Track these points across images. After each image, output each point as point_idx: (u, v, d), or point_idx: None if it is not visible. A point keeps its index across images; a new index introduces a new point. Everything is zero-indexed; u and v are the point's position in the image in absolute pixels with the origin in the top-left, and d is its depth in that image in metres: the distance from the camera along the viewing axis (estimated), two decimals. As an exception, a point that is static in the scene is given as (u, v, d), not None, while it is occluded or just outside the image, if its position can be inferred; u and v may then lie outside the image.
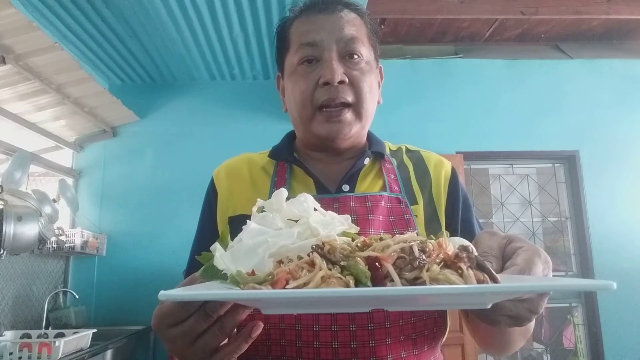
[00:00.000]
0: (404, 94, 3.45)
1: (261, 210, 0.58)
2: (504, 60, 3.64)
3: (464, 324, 0.76)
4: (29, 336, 2.26)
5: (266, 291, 0.41)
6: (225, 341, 0.52)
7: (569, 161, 3.52)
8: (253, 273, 0.46)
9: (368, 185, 0.78)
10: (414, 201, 0.77)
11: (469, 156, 3.35)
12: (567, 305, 3.36)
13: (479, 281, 0.41)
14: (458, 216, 0.78)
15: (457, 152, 3.29)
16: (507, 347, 0.71)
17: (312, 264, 0.44)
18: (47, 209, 2.45)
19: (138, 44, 2.96)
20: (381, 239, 0.47)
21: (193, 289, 0.45)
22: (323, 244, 0.46)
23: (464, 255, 0.43)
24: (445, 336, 0.74)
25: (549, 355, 3.36)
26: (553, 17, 3.38)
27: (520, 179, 3.57)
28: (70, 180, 3.23)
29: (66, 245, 2.82)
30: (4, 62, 2.15)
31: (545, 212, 3.52)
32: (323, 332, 0.64)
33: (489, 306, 0.45)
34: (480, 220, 0.84)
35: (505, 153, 3.46)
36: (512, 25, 3.54)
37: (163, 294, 0.39)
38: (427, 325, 0.69)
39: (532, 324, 0.68)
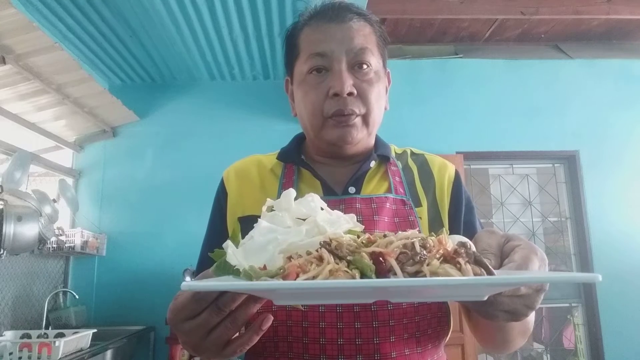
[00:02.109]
0: (404, 94, 3.46)
1: (271, 209, 0.60)
2: (504, 60, 3.64)
3: (466, 322, 0.77)
4: (29, 336, 2.26)
5: (281, 282, 0.44)
6: (237, 334, 0.54)
7: (569, 161, 3.52)
8: (265, 268, 0.48)
9: (374, 187, 0.80)
10: (418, 203, 0.79)
11: (469, 156, 3.35)
12: (567, 305, 3.36)
13: (476, 275, 0.44)
14: (461, 218, 0.80)
15: (457, 152, 3.29)
16: (507, 345, 0.72)
17: (320, 259, 0.46)
18: (47, 209, 2.45)
19: (138, 44, 2.96)
20: (385, 236, 0.49)
21: (212, 281, 0.48)
22: (330, 240, 0.48)
23: (463, 251, 0.45)
24: (449, 336, 0.75)
25: (549, 355, 3.36)
26: (553, 17, 3.38)
27: (520, 179, 3.57)
28: (70, 180, 3.23)
29: (66, 245, 2.82)
30: (4, 62, 2.15)
31: (545, 212, 3.52)
32: (329, 329, 0.66)
33: (485, 298, 0.47)
34: (481, 221, 0.86)
35: (505, 153, 3.46)
36: (512, 25, 3.54)
37: (185, 285, 0.42)
38: (431, 324, 0.70)
39: (532, 322, 0.70)
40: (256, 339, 0.54)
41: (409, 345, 0.68)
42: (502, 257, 0.51)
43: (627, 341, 3.18)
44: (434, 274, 0.43)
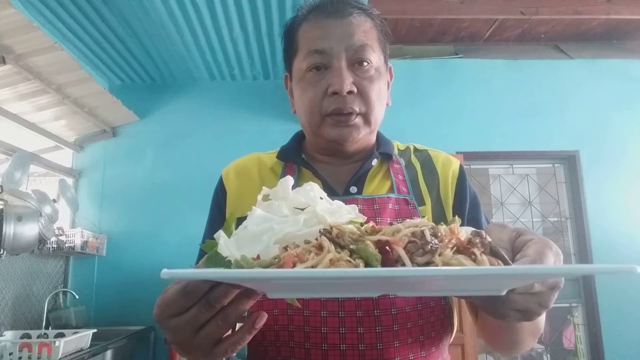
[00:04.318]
0: (404, 94, 3.45)
1: (267, 198, 0.57)
2: (504, 60, 3.64)
3: (473, 322, 0.75)
4: (29, 336, 2.26)
5: (275, 270, 0.39)
6: (229, 332, 0.52)
7: (569, 161, 3.52)
8: (258, 258, 0.45)
9: (376, 186, 0.78)
10: (421, 202, 0.77)
11: (469, 156, 3.35)
12: (567, 305, 3.36)
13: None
14: (465, 215, 0.78)
15: (457, 152, 3.29)
16: (516, 346, 0.69)
17: (320, 248, 0.42)
18: (47, 209, 2.45)
19: (138, 44, 2.96)
20: (391, 224, 0.45)
21: (197, 270, 0.44)
22: (331, 227, 0.44)
23: (477, 240, 0.42)
24: (453, 337, 0.74)
25: (549, 355, 3.36)
26: (553, 17, 3.38)
27: (520, 179, 3.57)
28: (70, 180, 3.23)
29: (66, 245, 2.82)
30: (4, 62, 2.15)
31: (545, 212, 3.51)
32: (331, 334, 0.65)
33: (504, 292, 0.43)
34: (487, 218, 0.83)
35: (505, 153, 3.46)
36: (512, 25, 3.54)
37: (166, 272, 0.37)
38: (434, 326, 0.69)
39: (543, 322, 0.67)
40: (249, 338, 0.51)
41: (412, 349, 0.66)
42: (514, 251, 0.48)
43: (627, 341, 3.18)
44: (446, 264, 0.40)
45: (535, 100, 3.55)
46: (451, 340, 0.74)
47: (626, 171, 3.44)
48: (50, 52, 2.24)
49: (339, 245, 0.43)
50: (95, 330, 2.40)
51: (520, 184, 3.56)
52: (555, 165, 3.58)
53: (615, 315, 3.20)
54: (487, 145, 3.43)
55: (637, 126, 3.52)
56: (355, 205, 0.55)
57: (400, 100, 3.40)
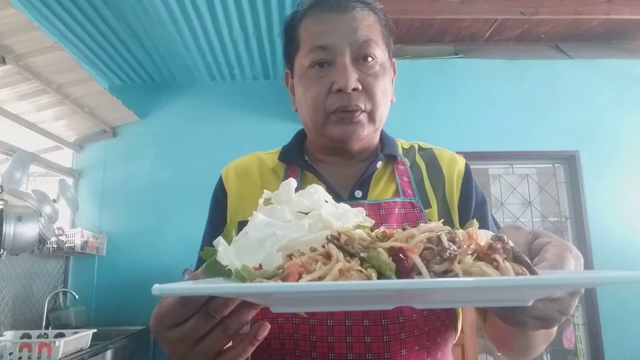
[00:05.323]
0: (404, 94, 3.44)
1: (268, 202, 0.54)
2: (504, 60, 3.64)
3: (481, 325, 0.72)
4: (29, 336, 2.26)
5: (279, 284, 0.36)
6: (229, 344, 0.49)
7: (569, 161, 3.52)
8: (260, 267, 0.42)
9: (381, 190, 0.76)
10: (427, 205, 0.75)
11: (469, 156, 3.32)
12: (567, 305, 3.36)
13: (517, 274, 0.37)
14: (470, 214, 0.76)
15: (457, 152, 3.28)
16: (528, 352, 0.67)
17: (327, 256, 0.39)
18: (47, 209, 2.45)
19: (138, 44, 2.96)
20: (404, 229, 0.42)
21: (192, 283, 0.41)
22: (339, 234, 0.41)
23: (499, 246, 0.38)
24: (456, 339, 0.73)
25: (549, 355, 3.36)
26: (553, 17, 3.38)
27: (520, 179, 3.57)
28: (70, 180, 3.23)
29: (66, 245, 2.82)
30: (4, 62, 2.15)
31: (545, 212, 3.51)
32: (337, 344, 0.64)
33: (530, 303, 0.40)
34: (494, 216, 0.81)
35: (505, 153, 3.46)
36: (512, 25, 3.54)
37: (157, 288, 0.34)
38: (440, 332, 0.68)
39: (556, 327, 0.65)
40: (251, 350, 0.48)
41: (419, 356, 0.65)
42: (531, 255, 0.45)
43: (627, 341, 3.17)
44: (467, 273, 0.37)
45: (535, 100, 3.54)
46: (455, 341, 0.73)
47: (626, 171, 3.44)
48: (50, 52, 2.25)
49: (348, 253, 0.40)
50: (95, 330, 2.40)
51: (520, 184, 3.56)
52: (555, 165, 3.58)
53: (615, 316, 3.20)
54: (487, 145, 3.43)
55: (637, 126, 3.52)
56: (362, 209, 0.53)
57: (400, 100, 3.38)
